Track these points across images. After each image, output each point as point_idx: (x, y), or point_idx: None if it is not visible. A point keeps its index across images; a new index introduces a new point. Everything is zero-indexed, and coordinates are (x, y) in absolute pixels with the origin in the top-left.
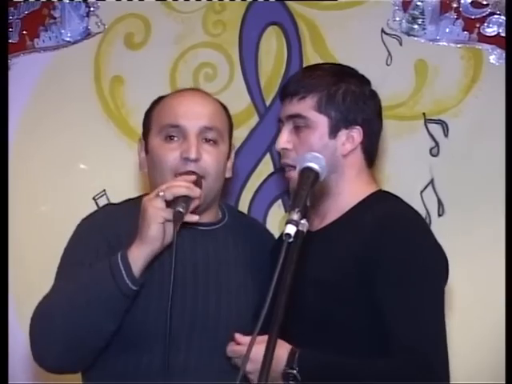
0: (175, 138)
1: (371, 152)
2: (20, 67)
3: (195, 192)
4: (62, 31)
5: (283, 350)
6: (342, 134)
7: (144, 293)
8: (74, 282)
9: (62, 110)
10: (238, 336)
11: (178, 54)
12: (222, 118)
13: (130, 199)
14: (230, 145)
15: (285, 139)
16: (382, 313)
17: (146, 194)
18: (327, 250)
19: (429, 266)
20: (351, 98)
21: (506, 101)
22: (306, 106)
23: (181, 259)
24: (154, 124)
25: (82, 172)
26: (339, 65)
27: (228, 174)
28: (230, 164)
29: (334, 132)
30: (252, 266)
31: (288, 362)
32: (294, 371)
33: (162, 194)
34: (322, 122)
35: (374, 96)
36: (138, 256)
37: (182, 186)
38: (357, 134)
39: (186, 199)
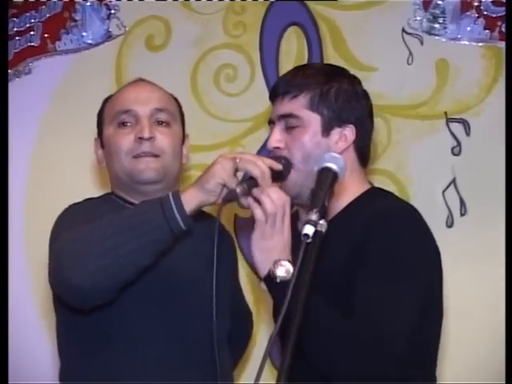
0: (128, 124)
1: (364, 151)
2: (41, 70)
3: (266, 181)
4: (84, 34)
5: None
6: (335, 133)
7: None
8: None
9: (84, 112)
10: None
11: (198, 56)
12: (172, 102)
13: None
14: (184, 131)
15: (277, 138)
16: (356, 298)
17: (108, 195)
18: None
19: (412, 260)
20: (344, 97)
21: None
22: (298, 105)
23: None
24: (106, 117)
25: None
26: (330, 64)
27: (184, 160)
28: (185, 150)
29: (326, 130)
30: (208, 255)
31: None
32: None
33: (238, 160)
34: (314, 120)
35: (366, 95)
36: (190, 199)
37: (259, 168)
38: (350, 132)
39: (252, 183)
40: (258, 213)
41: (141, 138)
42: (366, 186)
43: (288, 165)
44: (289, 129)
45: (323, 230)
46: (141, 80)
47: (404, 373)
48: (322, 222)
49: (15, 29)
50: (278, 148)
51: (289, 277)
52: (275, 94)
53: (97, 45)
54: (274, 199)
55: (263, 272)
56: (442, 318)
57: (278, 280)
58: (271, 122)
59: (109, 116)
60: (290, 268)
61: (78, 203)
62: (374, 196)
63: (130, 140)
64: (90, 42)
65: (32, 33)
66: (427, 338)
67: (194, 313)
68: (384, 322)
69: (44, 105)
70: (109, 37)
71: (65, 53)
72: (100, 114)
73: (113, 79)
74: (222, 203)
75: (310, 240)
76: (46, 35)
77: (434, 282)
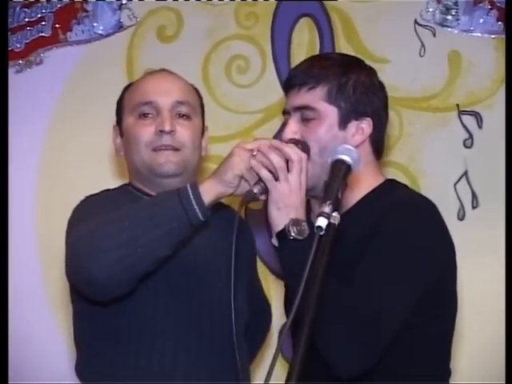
0: (149, 115)
1: (379, 144)
2: (52, 61)
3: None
4: (95, 24)
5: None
6: (352, 126)
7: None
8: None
9: (95, 103)
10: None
11: (210, 47)
12: (193, 93)
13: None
14: (203, 123)
15: (292, 129)
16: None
17: (126, 186)
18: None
19: (422, 247)
20: (362, 89)
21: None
22: (315, 97)
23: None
24: (126, 106)
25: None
26: (346, 55)
27: (203, 152)
28: (204, 143)
29: (343, 123)
30: (226, 248)
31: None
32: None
33: (255, 153)
34: (331, 112)
35: (382, 87)
36: (209, 190)
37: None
38: (366, 125)
39: None
40: (264, 173)
41: (161, 131)
42: (381, 179)
43: (306, 149)
44: (305, 121)
45: (336, 222)
46: (163, 70)
47: (395, 360)
48: (335, 214)
49: (26, 19)
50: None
51: (302, 237)
52: (291, 85)
53: (108, 35)
54: (287, 153)
55: (277, 228)
56: (455, 311)
57: (291, 237)
58: (286, 113)
59: (129, 105)
60: (306, 229)
61: (95, 194)
62: (390, 189)
63: (150, 132)
64: (101, 32)
65: (43, 23)
66: (436, 331)
67: (213, 305)
68: (375, 299)
69: (55, 95)
70: (120, 27)
71: (76, 43)
72: (120, 102)
73: (124, 70)
74: (241, 203)
75: (323, 232)
76: (57, 26)
77: (445, 275)
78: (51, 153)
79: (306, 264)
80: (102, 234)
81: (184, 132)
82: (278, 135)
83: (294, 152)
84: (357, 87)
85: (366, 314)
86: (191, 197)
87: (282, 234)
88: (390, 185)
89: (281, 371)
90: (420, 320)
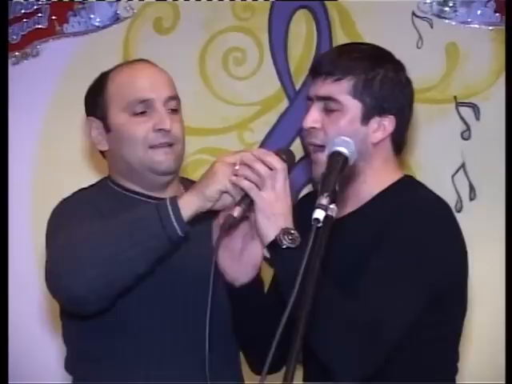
0: (145, 113)
1: (400, 141)
2: (49, 52)
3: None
4: (91, 16)
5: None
6: (374, 122)
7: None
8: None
9: None
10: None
11: (206, 39)
12: (174, 85)
13: (81, 189)
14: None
15: (314, 118)
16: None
17: (104, 180)
18: (342, 240)
19: (432, 254)
20: (388, 86)
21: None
22: (340, 89)
23: None
24: (114, 102)
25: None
26: (376, 47)
27: None
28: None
29: (366, 118)
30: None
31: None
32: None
33: (237, 167)
34: (355, 107)
35: (409, 84)
36: (189, 206)
37: (252, 181)
38: (389, 123)
39: (249, 200)
40: (245, 184)
41: (161, 129)
42: (398, 175)
43: (291, 158)
44: (327, 111)
45: (333, 214)
46: (143, 60)
47: (404, 362)
48: (332, 206)
49: (23, 11)
50: (314, 128)
51: (295, 246)
52: (318, 72)
53: (105, 27)
54: (270, 163)
55: (269, 238)
56: (465, 312)
57: (284, 246)
58: (309, 99)
59: (119, 102)
60: (298, 237)
61: (69, 197)
62: (406, 188)
63: (146, 129)
64: (97, 24)
65: (40, 15)
66: (446, 332)
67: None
68: (376, 307)
69: (51, 87)
70: (117, 19)
71: (73, 35)
72: (101, 95)
73: (120, 62)
74: (222, 231)
75: (320, 224)
76: (53, 17)
77: (457, 281)
78: (48, 145)
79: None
80: (81, 252)
81: (177, 126)
82: (272, 130)
83: (276, 160)
84: (384, 83)
85: (366, 323)
86: (170, 213)
87: (274, 245)
88: (406, 183)
89: None
90: (430, 322)
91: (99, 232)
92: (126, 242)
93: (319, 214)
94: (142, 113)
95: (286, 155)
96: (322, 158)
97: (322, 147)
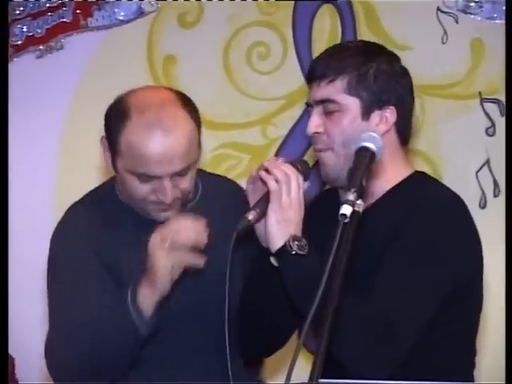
0: (150, 180)
1: (405, 131)
2: (73, 46)
3: (203, 240)
4: (116, 10)
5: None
6: (375, 115)
7: None
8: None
9: (114, 88)
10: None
11: (231, 33)
12: (193, 146)
13: (93, 190)
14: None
15: (316, 123)
16: (377, 274)
17: (112, 179)
18: (356, 236)
19: (449, 253)
20: (383, 78)
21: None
22: (335, 90)
23: None
24: (121, 157)
25: None
26: (366, 42)
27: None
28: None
29: (366, 113)
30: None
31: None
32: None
33: (167, 245)
34: (353, 104)
35: (405, 73)
36: (148, 301)
37: (190, 233)
38: (390, 114)
39: (263, 204)
40: (272, 184)
41: (160, 201)
42: (409, 170)
43: (305, 168)
44: (327, 113)
45: (361, 209)
46: (160, 120)
47: (421, 361)
48: (359, 201)
49: (47, 5)
50: (318, 133)
51: (304, 253)
52: (311, 78)
53: (129, 21)
54: (285, 171)
55: (277, 245)
56: (480, 307)
57: (293, 252)
58: (309, 105)
59: (126, 160)
60: (306, 245)
61: (78, 203)
62: (419, 184)
63: (147, 191)
64: (121, 18)
65: (64, 9)
66: (462, 328)
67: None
68: (398, 305)
69: (75, 80)
70: (141, 13)
71: (96, 29)
72: (113, 133)
73: (144, 56)
74: (236, 236)
75: (347, 220)
76: (78, 11)
77: (472, 279)
78: (71, 138)
79: (309, 278)
80: (66, 354)
81: (180, 188)
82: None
83: (291, 171)
84: (378, 76)
85: (382, 323)
86: (133, 316)
87: (283, 250)
88: (419, 180)
89: (304, 365)
90: (446, 318)
91: (80, 337)
92: (102, 346)
93: (346, 209)
94: (147, 180)
95: (300, 165)
96: (328, 158)
97: (328, 149)
